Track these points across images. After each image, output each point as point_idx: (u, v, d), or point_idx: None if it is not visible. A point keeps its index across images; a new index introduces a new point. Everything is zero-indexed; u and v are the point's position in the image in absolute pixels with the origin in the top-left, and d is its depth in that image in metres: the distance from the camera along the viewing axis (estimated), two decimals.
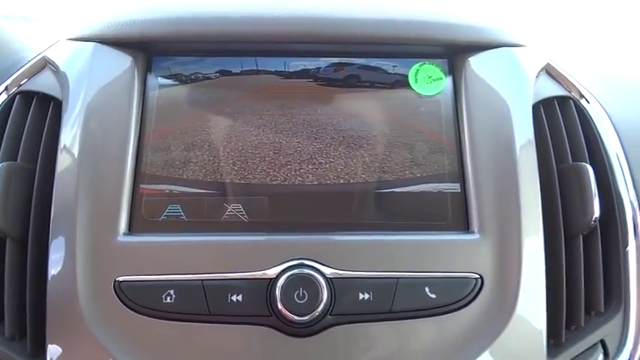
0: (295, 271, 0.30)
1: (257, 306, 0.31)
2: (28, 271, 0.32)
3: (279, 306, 0.30)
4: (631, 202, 0.36)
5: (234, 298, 0.31)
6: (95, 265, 0.31)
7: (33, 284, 0.32)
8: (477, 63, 0.37)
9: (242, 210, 0.34)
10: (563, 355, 0.33)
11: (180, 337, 0.31)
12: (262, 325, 0.31)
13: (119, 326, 0.31)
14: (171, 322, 0.31)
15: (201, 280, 0.31)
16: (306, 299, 0.30)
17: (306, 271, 0.31)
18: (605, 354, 0.34)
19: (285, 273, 0.30)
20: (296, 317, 0.30)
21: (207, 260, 0.32)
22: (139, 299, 0.31)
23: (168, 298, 0.31)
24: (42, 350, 0.31)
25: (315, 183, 0.34)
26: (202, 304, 0.31)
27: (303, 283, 0.30)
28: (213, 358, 0.30)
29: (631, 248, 0.35)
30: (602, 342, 0.34)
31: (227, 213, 0.34)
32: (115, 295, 0.31)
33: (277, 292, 0.30)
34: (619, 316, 0.34)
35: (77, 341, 0.30)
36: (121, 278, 0.31)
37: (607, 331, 0.34)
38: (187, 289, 0.31)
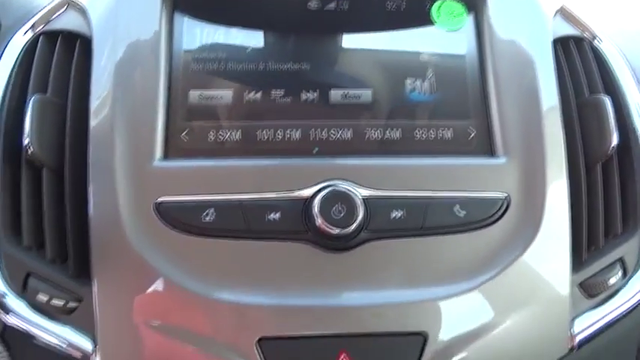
0: (332, 189, 0.32)
1: (294, 223, 0.32)
2: (67, 198, 0.33)
3: (318, 221, 0.31)
4: None
5: (271, 216, 0.32)
6: (135, 189, 0.32)
7: (72, 210, 0.33)
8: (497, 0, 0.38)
9: (277, 135, 0.35)
10: (585, 271, 0.34)
11: (220, 253, 0.32)
12: (299, 241, 0.32)
13: (161, 244, 0.32)
14: (212, 238, 0.32)
15: (240, 200, 0.32)
16: (343, 214, 0.31)
17: (342, 188, 0.32)
18: (624, 271, 0.35)
19: (321, 191, 0.32)
20: (334, 230, 0.31)
21: (244, 182, 0.33)
22: (180, 218, 0.32)
23: (208, 216, 0.32)
24: (84, 271, 0.32)
25: (346, 109, 0.36)
26: (241, 221, 0.32)
27: (339, 199, 0.31)
28: (252, 273, 0.31)
29: None
30: (621, 260, 0.35)
31: (262, 138, 0.35)
32: (156, 216, 0.32)
33: (315, 208, 0.31)
34: (636, 237, 0.36)
35: (122, 260, 0.31)
36: (160, 200, 0.32)
37: (625, 250, 0.35)
38: (226, 208, 0.32)
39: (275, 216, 0.32)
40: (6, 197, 0.34)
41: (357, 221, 0.31)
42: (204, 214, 0.32)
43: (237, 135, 0.35)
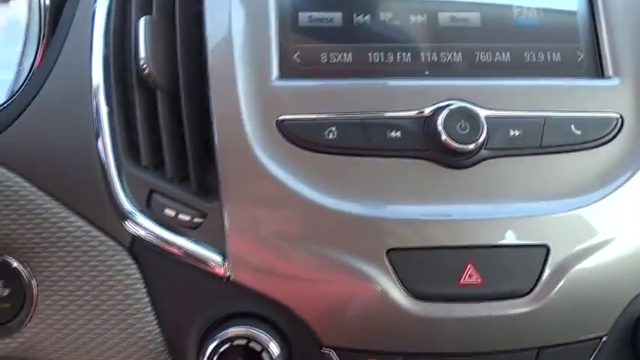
0: (456, 106, 0.32)
1: (415, 141, 0.32)
2: (185, 119, 0.34)
3: (443, 136, 0.31)
4: None
5: (393, 134, 0.33)
6: (257, 108, 0.33)
7: (190, 130, 0.34)
8: None
9: (388, 57, 0.35)
10: None
11: (343, 169, 0.32)
12: (421, 158, 0.33)
13: (286, 160, 0.32)
14: (335, 155, 0.32)
15: (361, 118, 0.33)
16: (467, 131, 0.32)
17: (466, 106, 0.32)
18: None
19: (444, 110, 0.32)
20: (459, 146, 0.31)
21: (364, 101, 0.33)
22: (303, 136, 0.32)
23: (331, 134, 0.32)
24: (205, 189, 0.33)
25: (455, 32, 0.36)
26: (363, 139, 0.32)
27: (463, 116, 0.32)
28: (377, 188, 0.32)
29: None
30: None
31: (374, 60, 0.35)
32: (280, 133, 0.32)
33: (440, 125, 0.32)
34: None
35: (250, 176, 0.32)
36: (282, 117, 0.33)
37: None
38: (348, 126, 0.33)
39: (396, 134, 0.33)
40: (122, 118, 0.34)
41: (482, 137, 0.32)
42: (327, 131, 0.32)
43: (348, 57, 0.35)
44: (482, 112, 0.32)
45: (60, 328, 0.34)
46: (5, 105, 0.36)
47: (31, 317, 0.34)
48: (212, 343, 0.31)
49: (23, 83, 0.36)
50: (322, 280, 0.31)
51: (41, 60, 0.37)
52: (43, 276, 0.34)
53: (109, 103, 0.34)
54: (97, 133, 0.34)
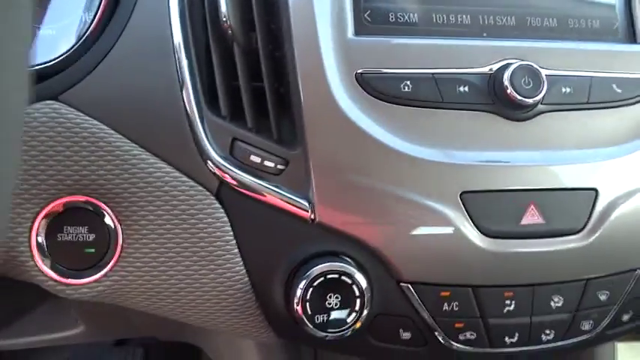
0: (520, 64, 0.35)
1: (482, 95, 0.36)
2: (264, 72, 0.35)
3: (508, 90, 0.35)
4: None
5: (461, 88, 0.36)
6: (338, 61, 0.35)
7: (269, 82, 0.35)
8: None
9: (450, 19, 0.38)
10: None
11: (417, 119, 0.35)
12: (486, 111, 0.36)
13: (366, 110, 0.35)
14: (410, 107, 0.35)
15: (433, 73, 0.36)
16: (530, 86, 0.35)
17: (529, 64, 0.35)
18: None
19: (509, 67, 0.35)
20: (522, 99, 0.35)
21: (435, 57, 0.36)
22: (380, 88, 0.35)
23: (406, 87, 0.35)
24: (285, 137, 0.35)
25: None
26: (435, 92, 0.35)
27: (527, 73, 0.35)
28: (445, 138, 0.35)
29: None
30: None
31: (437, 20, 0.38)
32: (359, 85, 0.35)
33: (505, 80, 0.35)
34: None
35: (334, 124, 0.34)
36: (361, 70, 0.35)
37: None
38: (421, 80, 0.35)
39: (464, 88, 0.36)
40: (202, 68, 0.36)
41: (543, 92, 0.35)
42: (402, 85, 0.35)
43: (414, 17, 0.38)
44: (543, 71, 0.36)
45: (145, 273, 0.35)
46: (78, 54, 0.36)
47: (116, 262, 0.35)
48: (303, 280, 0.33)
49: (96, 35, 0.37)
50: (402, 221, 0.34)
51: (113, 11, 0.37)
52: (130, 220, 0.35)
53: (188, 57, 0.35)
54: (181, 85, 0.35)
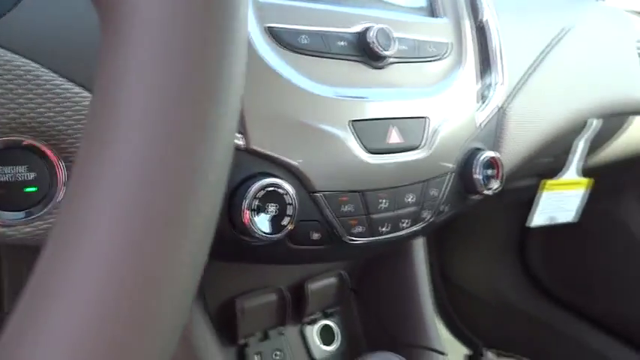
0: (378, 27, 0.48)
1: (355, 48, 0.48)
2: None
3: (372, 45, 0.47)
4: None
5: (341, 43, 0.47)
6: (252, 16, 0.42)
7: None
8: None
9: None
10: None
11: (315, 65, 0.45)
12: (358, 61, 0.48)
13: (277, 57, 0.43)
14: (307, 55, 0.45)
15: (321, 31, 0.46)
16: (387, 42, 0.48)
17: (385, 27, 0.49)
18: None
19: (372, 29, 0.48)
20: (382, 52, 0.48)
21: (323, 19, 0.46)
22: (286, 40, 0.44)
23: (304, 40, 0.45)
24: None
25: None
26: (324, 45, 0.46)
27: (383, 33, 0.48)
28: (333, 79, 0.46)
29: None
30: None
31: None
32: (270, 37, 0.43)
33: (370, 37, 0.47)
34: None
35: (254, 67, 0.42)
36: (268, 25, 0.43)
37: None
38: (314, 35, 0.45)
39: (343, 43, 0.47)
40: None
41: (395, 48, 0.49)
42: (301, 38, 0.45)
43: None
44: (395, 33, 0.49)
45: None
46: None
47: (60, 200, 0.36)
48: (248, 193, 0.40)
49: None
50: (313, 144, 0.44)
51: None
52: (70, 155, 0.36)
53: None
54: None
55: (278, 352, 0.64)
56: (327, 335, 0.69)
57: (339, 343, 0.70)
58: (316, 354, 0.67)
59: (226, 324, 0.61)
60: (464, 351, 1.32)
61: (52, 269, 0.17)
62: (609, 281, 1.15)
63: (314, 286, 0.66)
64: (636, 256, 1.10)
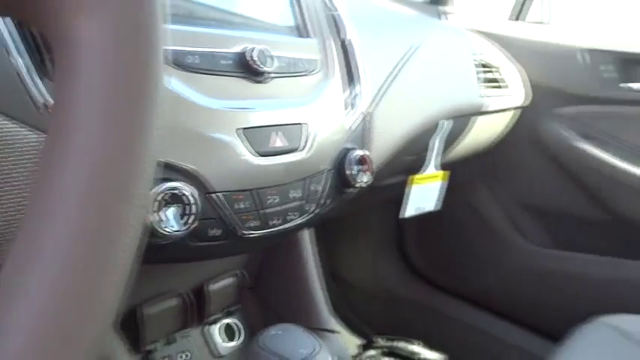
0: (259, 48, 0.55)
1: (238, 66, 0.54)
2: None
3: (253, 63, 0.54)
4: None
5: (224, 62, 0.53)
6: None
7: None
8: None
9: (215, 14, 0.55)
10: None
11: (205, 82, 0.51)
12: (241, 77, 0.55)
13: (172, 76, 0.48)
14: (198, 74, 0.51)
15: (208, 52, 0.52)
16: (266, 61, 0.55)
17: (264, 48, 0.56)
18: None
19: (254, 49, 0.55)
20: (261, 69, 0.55)
21: (208, 40, 0.52)
22: (179, 61, 0.49)
23: (195, 60, 0.50)
24: None
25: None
26: (211, 64, 0.52)
27: (263, 53, 0.55)
28: (222, 93, 0.52)
29: None
30: None
31: (208, 15, 0.54)
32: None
33: (250, 57, 0.54)
34: None
35: None
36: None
37: None
38: (203, 55, 0.51)
39: (228, 61, 0.53)
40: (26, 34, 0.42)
41: (273, 65, 0.56)
42: (192, 58, 0.50)
43: (185, 10, 0.53)
44: (272, 52, 0.57)
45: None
46: None
47: None
48: (156, 197, 0.45)
49: None
50: (210, 150, 0.50)
51: None
52: None
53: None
54: (8, 53, 0.40)
55: (184, 354, 0.68)
56: (230, 332, 0.74)
57: (241, 338, 0.75)
58: (221, 351, 0.72)
59: (132, 332, 0.63)
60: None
61: None
62: (469, 260, 1.33)
63: (214, 287, 0.71)
64: (487, 237, 1.28)
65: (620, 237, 1.11)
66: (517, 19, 1.31)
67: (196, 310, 0.69)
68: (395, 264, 1.45)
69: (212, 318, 0.73)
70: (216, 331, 0.72)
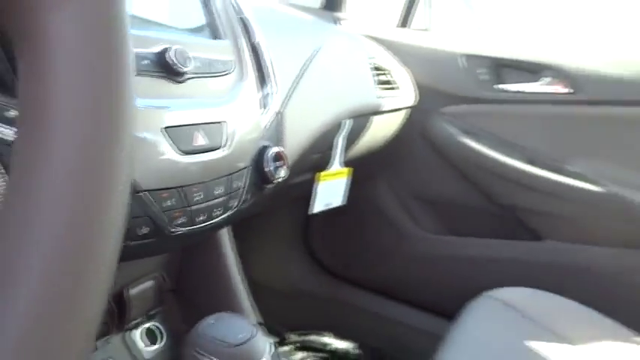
0: (177, 48, 0.56)
1: (157, 65, 0.55)
2: None
3: (172, 63, 0.55)
4: None
5: (145, 62, 0.54)
6: None
7: None
8: None
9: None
10: None
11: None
12: (161, 77, 0.55)
13: None
14: None
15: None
16: (185, 60, 0.57)
17: (182, 48, 0.57)
18: None
19: (171, 49, 0.56)
20: (180, 69, 0.56)
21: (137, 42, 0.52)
22: None
23: None
24: None
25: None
26: (137, 64, 0.52)
27: (182, 53, 0.57)
28: (146, 93, 0.53)
29: None
30: None
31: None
32: None
33: (169, 57, 0.55)
34: None
35: None
36: None
37: None
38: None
39: (147, 61, 0.54)
40: None
41: (191, 65, 0.58)
42: None
43: None
44: (189, 53, 0.58)
45: None
46: None
47: None
48: None
49: None
50: (136, 148, 0.50)
51: None
52: None
53: None
54: None
55: None
56: (152, 336, 0.73)
57: (164, 341, 0.74)
58: (145, 355, 0.71)
59: None
60: None
61: None
62: (370, 250, 1.42)
63: (133, 291, 0.70)
64: (385, 227, 1.38)
65: (500, 221, 1.26)
66: (403, 26, 1.42)
67: (117, 316, 0.67)
68: (302, 260, 1.50)
69: (133, 323, 0.71)
70: (137, 335, 0.71)
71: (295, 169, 0.83)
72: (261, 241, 1.44)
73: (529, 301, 0.96)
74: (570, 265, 1.18)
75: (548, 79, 1.17)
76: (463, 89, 1.25)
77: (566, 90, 1.15)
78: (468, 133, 1.25)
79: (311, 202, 1.06)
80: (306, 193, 1.07)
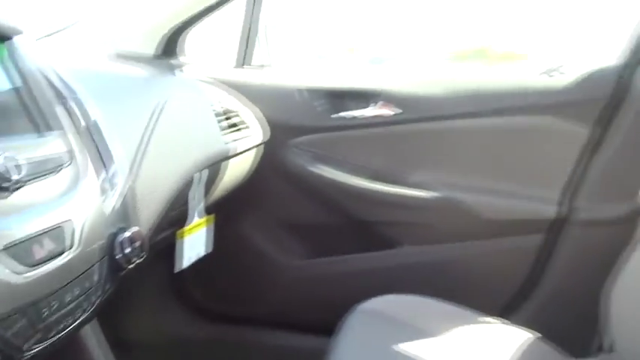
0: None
1: None
2: None
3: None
4: None
5: None
6: None
7: None
8: None
9: None
10: None
11: None
12: None
13: None
14: None
15: None
16: (13, 170, 0.54)
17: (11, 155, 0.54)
18: None
19: None
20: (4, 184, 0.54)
21: None
22: None
23: None
24: None
25: None
26: None
27: (9, 162, 0.54)
28: None
29: None
30: None
31: None
32: None
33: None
34: None
35: None
36: None
37: None
38: None
39: None
40: None
41: (24, 171, 0.54)
42: None
43: None
44: (18, 158, 0.55)
45: None
46: None
47: None
48: None
49: None
50: None
51: None
52: None
53: None
54: None
55: None
56: None
57: None
58: None
59: None
60: None
61: None
62: (244, 285, 1.44)
63: None
64: (257, 259, 1.41)
65: (359, 236, 1.36)
66: (243, 63, 1.46)
67: None
68: (177, 309, 1.47)
69: None
70: None
71: (156, 230, 0.82)
72: (127, 300, 1.39)
73: (394, 306, 1.05)
74: (426, 264, 1.32)
75: (380, 103, 1.29)
76: (306, 120, 1.32)
77: (395, 111, 1.28)
78: (317, 160, 1.33)
79: (176, 260, 1.05)
80: (170, 243, 1.06)
